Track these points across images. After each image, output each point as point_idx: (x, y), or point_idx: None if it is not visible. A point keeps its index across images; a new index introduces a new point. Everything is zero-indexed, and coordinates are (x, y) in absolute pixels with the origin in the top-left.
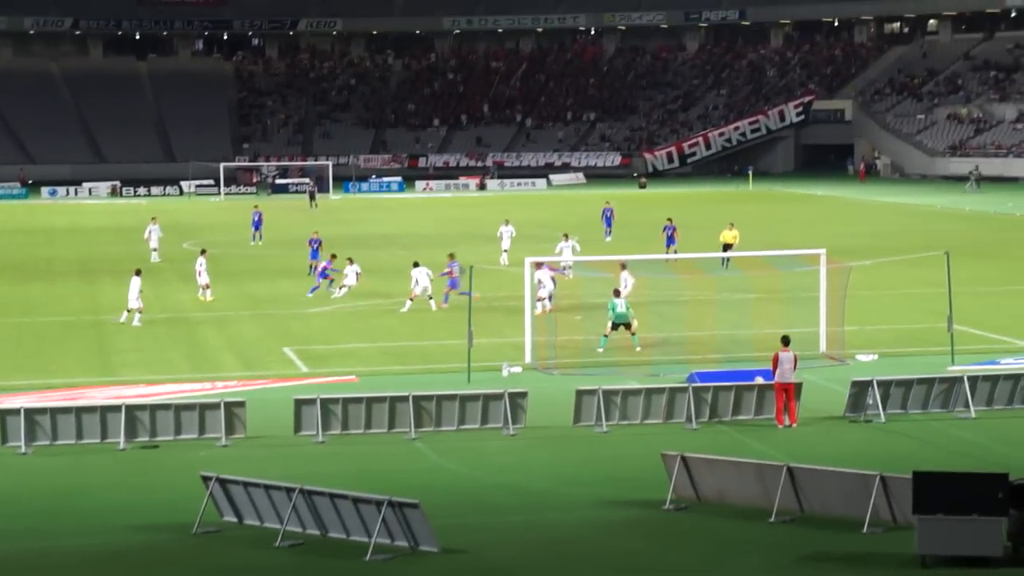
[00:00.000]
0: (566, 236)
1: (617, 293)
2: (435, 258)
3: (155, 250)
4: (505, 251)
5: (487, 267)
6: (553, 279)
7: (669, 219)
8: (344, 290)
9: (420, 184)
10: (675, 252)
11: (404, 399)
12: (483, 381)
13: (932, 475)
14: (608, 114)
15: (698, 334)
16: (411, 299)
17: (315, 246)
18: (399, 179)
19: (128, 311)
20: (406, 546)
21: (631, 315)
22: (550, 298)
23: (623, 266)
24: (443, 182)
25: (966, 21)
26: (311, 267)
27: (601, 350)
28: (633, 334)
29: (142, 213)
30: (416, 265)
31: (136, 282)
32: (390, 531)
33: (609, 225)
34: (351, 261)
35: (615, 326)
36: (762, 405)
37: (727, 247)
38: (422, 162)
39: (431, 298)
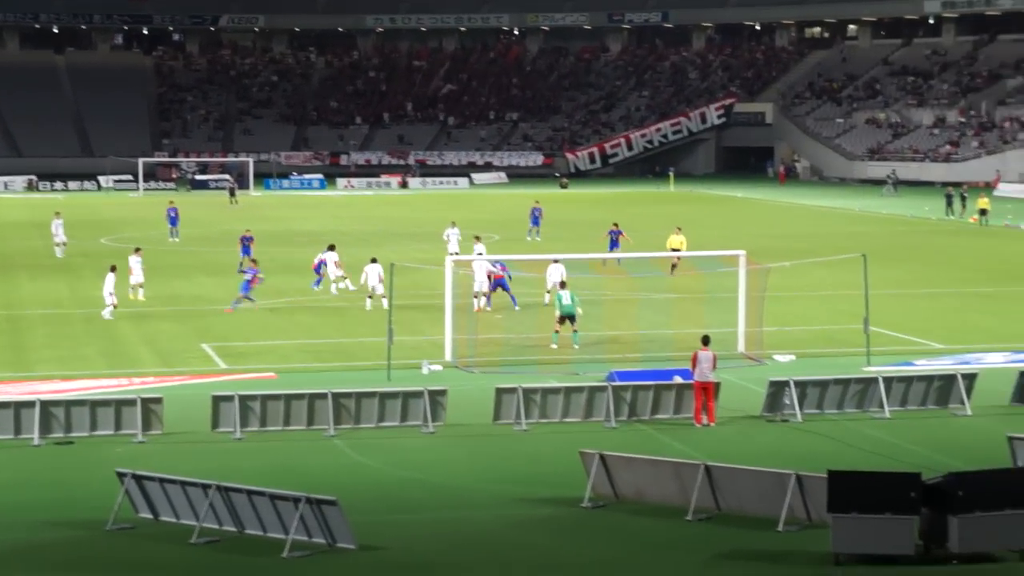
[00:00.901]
0: (453, 224)
1: (563, 285)
2: (360, 256)
3: (59, 245)
4: (455, 254)
5: (409, 265)
6: (490, 276)
7: (615, 224)
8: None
9: (342, 182)
10: (618, 257)
11: (323, 396)
12: (403, 379)
13: (847, 474)
14: (531, 114)
15: (618, 333)
16: (369, 296)
17: (247, 243)
18: (320, 176)
19: (115, 306)
20: (323, 543)
21: (576, 306)
22: (488, 297)
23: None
24: (365, 180)
25: (885, 27)
26: (241, 264)
27: (555, 346)
28: (575, 331)
29: (59, 208)
30: (373, 261)
31: (111, 278)
32: (307, 528)
33: (536, 224)
34: (333, 248)
35: (561, 319)
36: (681, 404)
37: (675, 252)
38: (344, 160)
39: (384, 296)
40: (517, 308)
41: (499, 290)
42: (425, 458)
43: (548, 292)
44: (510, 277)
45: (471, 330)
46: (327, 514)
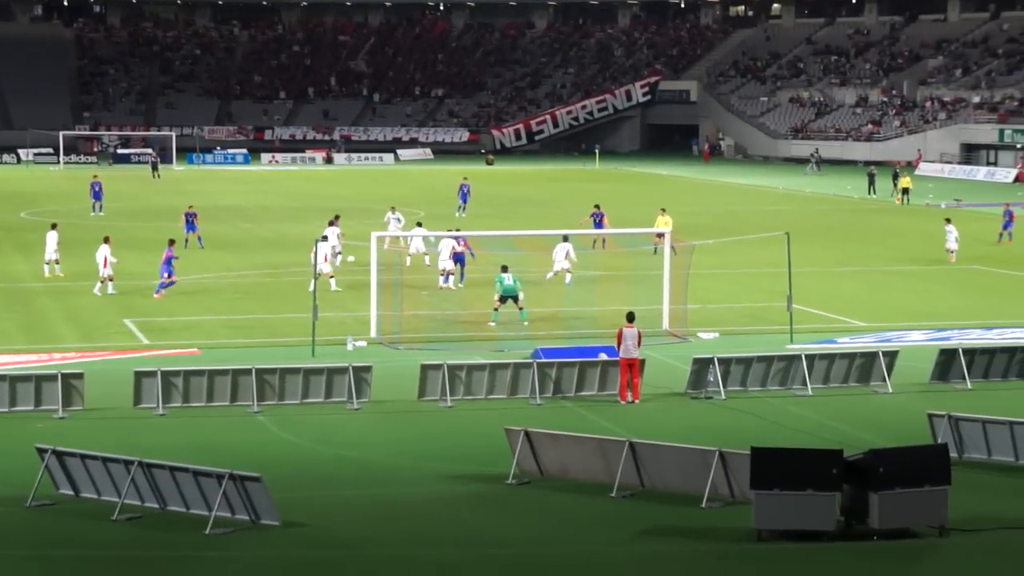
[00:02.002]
0: (393, 208)
1: (505, 268)
2: (287, 232)
3: None
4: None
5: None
6: (458, 254)
7: (596, 206)
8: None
9: (266, 157)
10: (602, 241)
11: (247, 372)
12: (328, 355)
13: (769, 451)
14: (456, 90)
15: (543, 311)
16: (331, 276)
17: (191, 219)
18: (244, 151)
19: (101, 281)
20: (247, 519)
21: (518, 288)
22: (449, 275)
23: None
24: (289, 155)
25: (808, 6)
26: (187, 240)
27: (493, 324)
28: (521, 308)
29: None
30: (324, 239)
31: (104, 249)
32: (231, 504)
33: (464, 201)
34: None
35: (503, 299)
36: (606, 381)
37: (661, 235)
38: (268, 135)
39: (332, 276)
40: (461, 285)
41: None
42: (350, 435)
43: (554, 271)
44: (472, 255)
45: (396, 307)
46: (251, 490)
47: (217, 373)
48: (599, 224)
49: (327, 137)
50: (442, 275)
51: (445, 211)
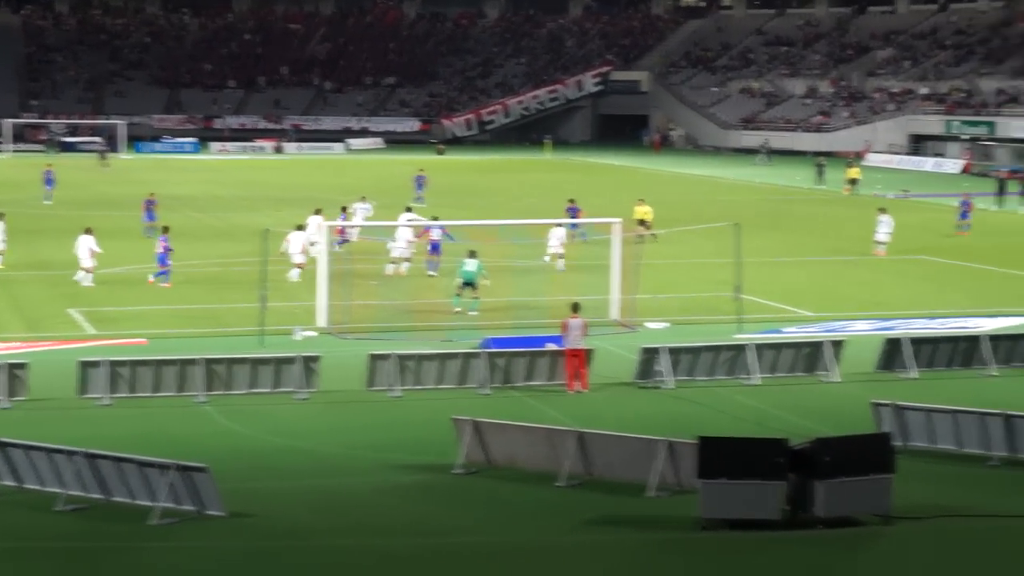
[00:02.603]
0: (363, 198)
1: (472, 254)
2: (233, 221)
3: None
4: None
5: (284, 231)
6: (435, 242)
7: (571, 200)
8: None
9: (216, 146)
10: (582, 234)
11: (194, 362)
12: (276, 345)
13: (716, 440)
14: (408, 80)
15: (493, 300)
16: (299, 267)
17: (151, 208)
18: (194, 140)
19: (85, 271)
20: (193, 510)
21: (479, 275)
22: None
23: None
24: (239, 144)
25: None
26: (146, 229)
27: (458, 309)
28: (476, 297)
29: None
30: (301, 228)
31: (85, 240)
32: (176, 495)
33: (421, 190)
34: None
35: (463, 284)
36: (554, 371)
37: (642, 223)
38: (218, 123)
39: (298, 267)
40: (434, 274)
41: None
42: (298, 425)
43: (549, 256)
44: (451, 239)
45: (345, 296)
46: (196, 481)
47: (164, 363)
48: (575, 219)
49: (277, 126)
50: (393, 263)
51: (398, 201)
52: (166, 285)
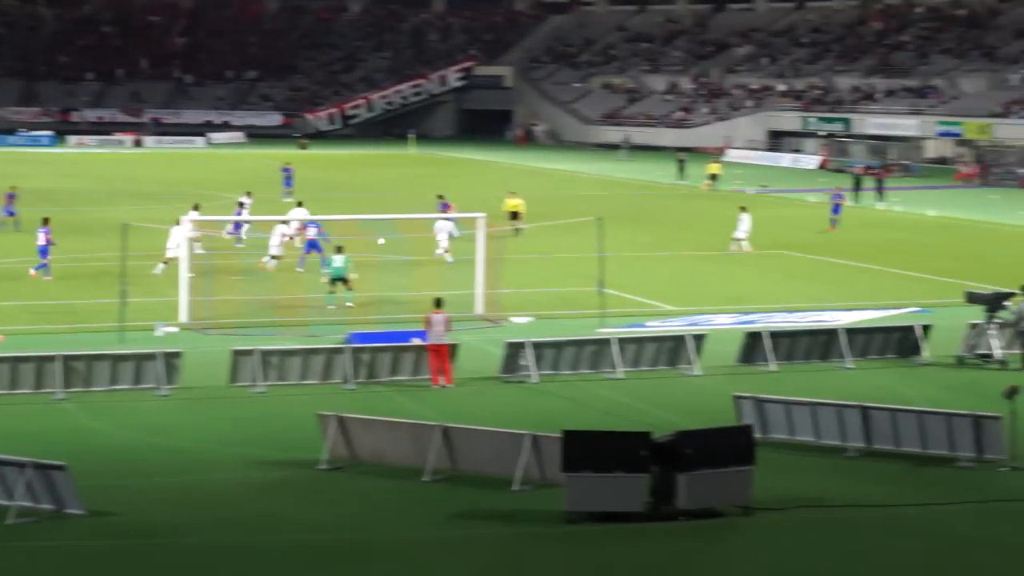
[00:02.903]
0: (249, 194)
1: (339, 250)
2: (91, 216)
3: None
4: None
5: (143, 225)
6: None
7: (440, 196)
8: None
9: (73, 139)
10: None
11: (52, 359)
12: (137, 341)
13: (580, 434)
14: (269, 73)
15: (357, 295)
16: (275, 258)
17: (10, 201)
18: (50, 133)
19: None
20: (51, 509)
21: (348, 271)
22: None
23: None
24: (97, 137)
25: None
26: (3, 223)
27: (332, 307)
28: (350, 290)
29: None
30: (286, 223)
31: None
32: (34, 494)
33: (289, 185)
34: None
35: (332, 281)
36: (419, 366)
37: (515, 215)
38: (75, 116)
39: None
40: (301, 270)
41: (312, 251)
42: (159, 421)
43: (441, 250)
44: (326, 240)
45: (208, 291)
46: (54, 479)
47: (20, 360)
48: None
49: (137, 120)
50: (273, 259)
51: (263, 195)
52: (48, 279)
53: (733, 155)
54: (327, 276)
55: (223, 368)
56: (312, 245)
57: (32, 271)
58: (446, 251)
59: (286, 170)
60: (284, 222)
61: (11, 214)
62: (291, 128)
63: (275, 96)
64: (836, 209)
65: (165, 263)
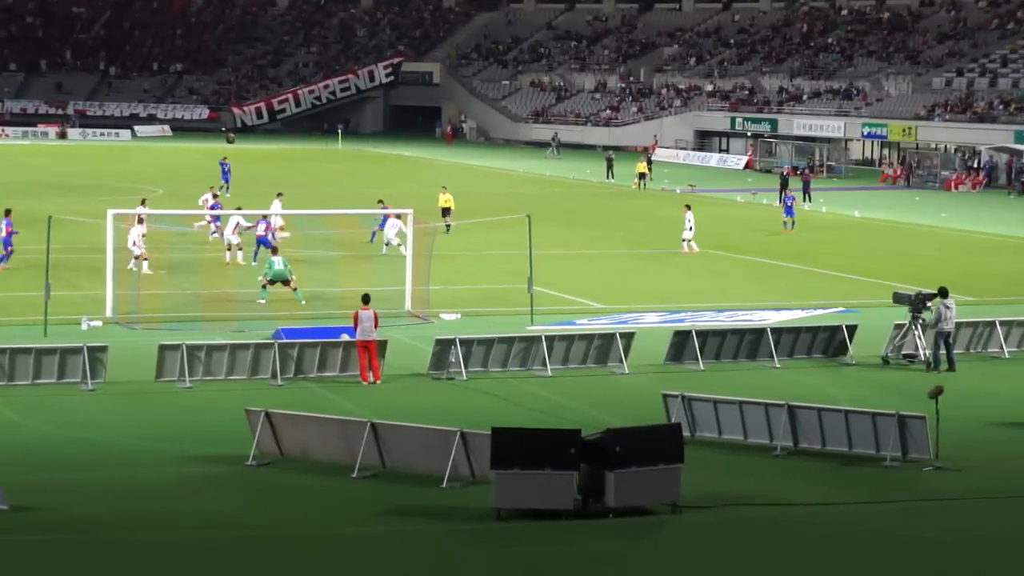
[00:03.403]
0: (279, 195)
1: (275, 251)
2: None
3: None
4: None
5: (67, 218)
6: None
7: (380, 201)
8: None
9: None
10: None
11: None
12: (61, 335)
13: (509, 431)
14: (196, 66)
15: (285, 291)
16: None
17: None
18: None
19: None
20: None
21: (289, 272)
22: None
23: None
24: (20, 129)
25: None
26: None
27: (263, 301)
28: (294, 289)
29: None
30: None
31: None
32: None
33: (227, 180)
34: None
35: (272, 282)
36: (348, 362)
37: (445, 211)
38: None
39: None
40: (254, 263)
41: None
42: (84, 416)
43: (387, 244)
44: (273, 235)
45: (133, 286)
46: None
47: None
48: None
49: (60, 111)
50: (228, 250)
51: (188, 190)
52: (5, 266)
53: (661, 154)
54: (266, 278)
55: (149, 363)
56: (261, 241)
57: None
58: (399, 245)
59: (223, 164)
60: (265, 216)
61: None
62: (217, 122)
63: (201, 90)
64: (789, 211)
65: (143, 259)
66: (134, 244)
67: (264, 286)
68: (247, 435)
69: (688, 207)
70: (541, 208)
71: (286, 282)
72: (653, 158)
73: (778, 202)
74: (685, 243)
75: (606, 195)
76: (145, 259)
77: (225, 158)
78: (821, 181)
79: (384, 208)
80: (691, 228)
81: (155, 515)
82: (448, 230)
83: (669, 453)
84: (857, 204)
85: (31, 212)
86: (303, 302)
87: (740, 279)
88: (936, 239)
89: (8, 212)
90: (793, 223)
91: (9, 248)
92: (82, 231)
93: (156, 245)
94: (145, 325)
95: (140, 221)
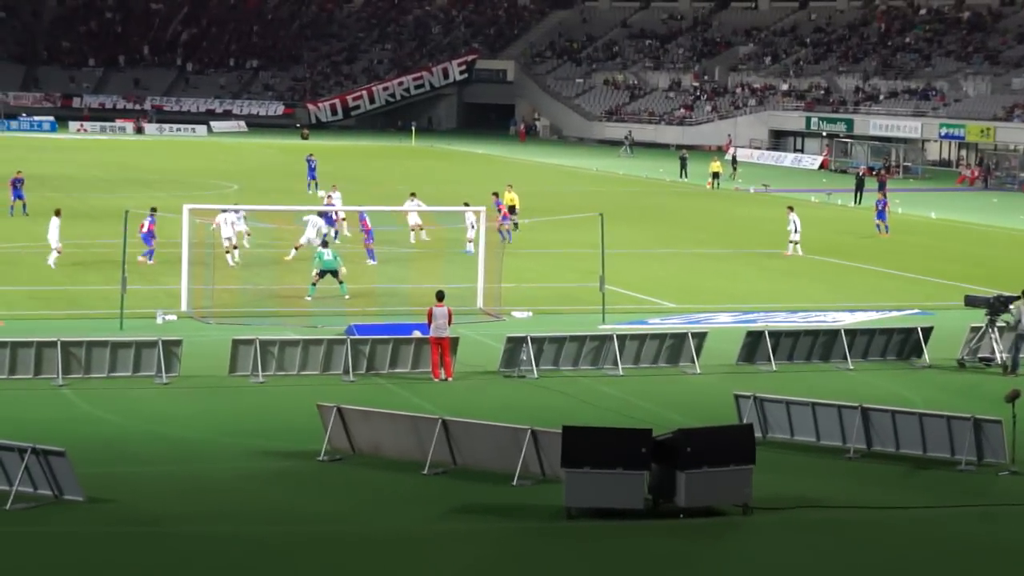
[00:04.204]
0: (412, 195)
1: (325, 244)
2: (91, 203)
3: None
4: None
5: (143, 212)
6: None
7: (495, 193)
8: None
9: (74, 125)
10: (509, 230)
11: (52, 344)
12: (137, 328)
13: (580, 430)
14: (272, 63)
15: (358, 287)
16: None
17: (18, 185)
18: (51, 119)
19: (58, 252)
20: (50, 495)
21: (339, 264)
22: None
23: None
24: (98, 124)
25: None
26: (12, 208)
27: (309, 298)
28: (341, 282)
29: None
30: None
31: (56, 223)
32: (33, 480)
33: (313, 176)
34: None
35: (321, 274)
36: (419, 359)
37: (512, 209)
38: (77, 102)
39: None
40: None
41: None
42: (158, 410)
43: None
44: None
45: (208, 280)
46: (54, 465)
47: (20, 345)
48: (499, 208)
49: (138, 107)
50: (228, 253)
51: (263, 185)
52: (149, 262)
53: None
54: (317, 269)
55: (223, 357)
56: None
57: (139, 257)
58: (469, 241)
59: (310, 161)
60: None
61: (19, 197)
62: (292, 118)
63: (277, 86)
64: (881, 215)
65: (233, 250)
66: (231, 233)
67: (314, 283)
68: (319, 430)
69: (791, 208)
70: (614, 207)
71: (335, 273)
72: (737, 157)
73: (854, 203)
74: (792, 245)
75: (680, 194)
76: (235, 247)
77: (311, 155)
78: (897, 182)
79: (498, 201)
80: (797, 230)
81: (226, 509)
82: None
83: (740, 454)
84: (933, 205)
85: (108, 207)
86: (347, 296)
87: (814, 280)
88: (1013, 242)
89: (154, 210)
90: (887, 227)
91: (152, 244)
92: (158, 226)
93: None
94: (219, 319)
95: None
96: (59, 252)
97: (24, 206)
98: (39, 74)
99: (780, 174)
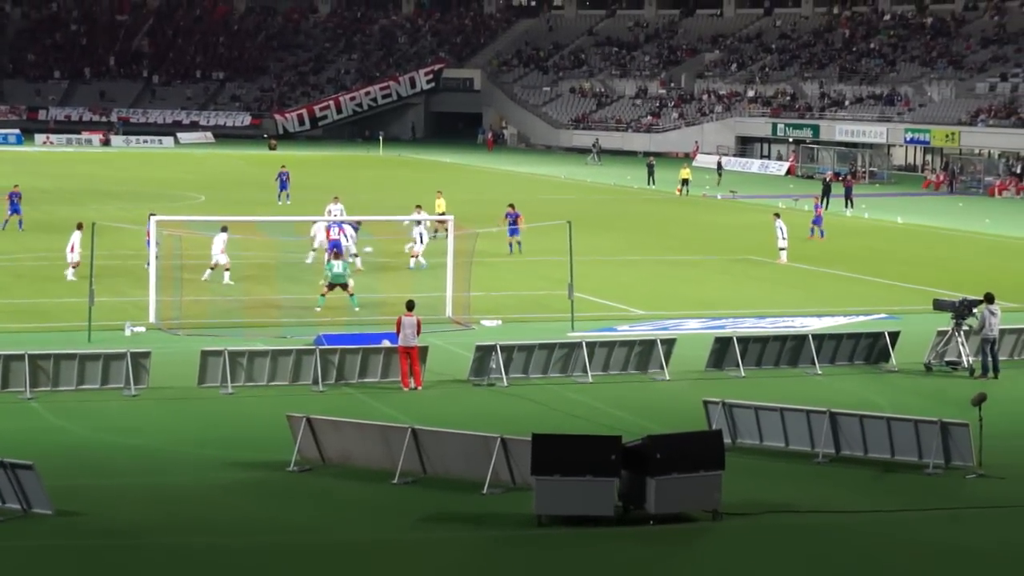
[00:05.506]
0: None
1: (337, 256)
2: (58, 215)
3: None
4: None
5: (111, 224)
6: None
7: (511, 205)
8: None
9: (40, 138)
10: (519, 243)
11: (19, 357)
12: (104, 340)
13: (550, 437)
14: (238, 74)
15: (328, 297)
16: (211, 267)
17: (15, 200)
18: (17, 132)
19: (73, 266)
20: (18, 508)
21: (348, 276)
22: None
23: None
24: (65, 136)
25: None
26: (6, 222)
27: (319, 309)
28: (351, 295)
29: None
30: (223, 229)
31: (77, 236)
32: (1, 493)
33: (284, 188)
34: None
35: (331, 286)
36: (388, 368)
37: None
38: (42, 115)
39: (227, 268)
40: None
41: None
42: (127, 422)
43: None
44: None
45: (176, 292)
46: (22, 479)
47: None
48: (514, 224)
49: (104, 119)
50: (212, 268)
51: (230, 196)
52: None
53: (702, 160)
54: (326, 281)
55: (192, 368)
56: (335, 245)
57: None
58: (412, 256)
59: (282, 174)
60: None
61: (16, 211)
62: (260, 128)
63: (244, 97)
64: (818, 220)
65: (212, 268)
66: (221, 252)
67: (323, 294)
68: (289, 441)
69: (777, 215)
70: (582, 214)
71: (344, 286)
72: (722, 165)
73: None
74: (783, 252)
75: (648, 201)
76: (227, 269)
77: (283, 166)
78: (864, 187)
79: (514, 212)
80: (784, 236)
81: (196, 520)
82: (435, 236)
83: (710, 460)
84: (900, 210)
85: (75, 219)
86: (357, 308)
87: (781, 285)
88: (979, 245)
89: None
90: (822, 232)
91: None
92: (125, 237)
93: (195, 252)
94: (187, 331)
95: (224, 229)
96: (75, 266)
97: (20, 221)
98: (4, 87)
99: (747, 180)
